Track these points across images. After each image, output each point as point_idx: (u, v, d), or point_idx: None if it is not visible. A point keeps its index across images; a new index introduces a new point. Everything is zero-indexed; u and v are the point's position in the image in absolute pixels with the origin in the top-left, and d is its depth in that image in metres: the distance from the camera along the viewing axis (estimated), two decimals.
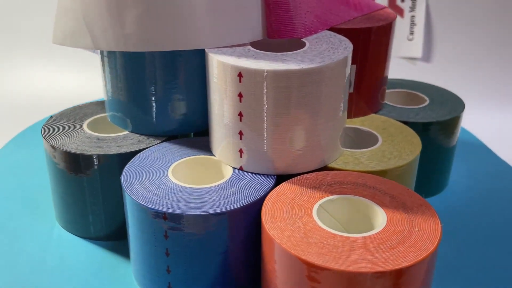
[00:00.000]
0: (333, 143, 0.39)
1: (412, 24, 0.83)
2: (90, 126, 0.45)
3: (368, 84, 0.46)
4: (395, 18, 0.46)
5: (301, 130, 0.37)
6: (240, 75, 0.35)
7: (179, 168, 0.39)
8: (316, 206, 0.34)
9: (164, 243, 0.34)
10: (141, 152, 0.41)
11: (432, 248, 0.30)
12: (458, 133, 0.51)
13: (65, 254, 0.42)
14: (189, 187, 0.36)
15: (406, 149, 0.42)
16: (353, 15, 0.46)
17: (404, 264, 0.28)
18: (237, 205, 0.34)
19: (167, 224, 0.34)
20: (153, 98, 0.42)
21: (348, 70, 0.38)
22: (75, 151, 0.40)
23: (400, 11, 0.83)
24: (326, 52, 0.37)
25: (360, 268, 0.28)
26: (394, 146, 0.42)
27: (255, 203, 0.35)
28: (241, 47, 0.38)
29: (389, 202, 0.34)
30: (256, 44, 0.39)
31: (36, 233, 0.45)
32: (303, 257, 0.29)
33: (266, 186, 0.37)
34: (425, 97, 0.52)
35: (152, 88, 0.41)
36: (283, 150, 0.37)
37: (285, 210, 0.33)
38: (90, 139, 0.43)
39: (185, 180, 0.39)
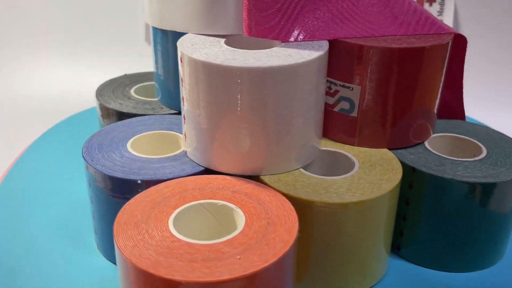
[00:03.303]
0: (274, 155, 0.36)
1: None
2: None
3: (384, 112, 0.39)
4: (443, 42, 0.39)
5: (231, 130, 0.35)
6: (181, 59, 0.36)
7: (139, 141, 0.42)
8: (174, 214, 0.32)
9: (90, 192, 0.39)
10: (107, 126, 0.45)
11: (284, 250, 0.28)
12: None
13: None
14: (137, 156, 0.39)
15: (384, 177, 0.36)
16: (395, 32, 0.40)
17: (254, 269, 0.27)
18: (172, 175, 0.36)
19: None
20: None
21: (312, 80, 0.35)
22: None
23: None
24: (286, 55, 0.35)
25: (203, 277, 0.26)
26: (370, 173, 0.37)
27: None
28: (219, 41, 0.38)
29: (251, 205, 0.33)
30: (244, 41, 0.39)
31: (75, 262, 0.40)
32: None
33: (192, 171, 0.37)
34: (480, 144, 0.42)
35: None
36: (208, 146, 0.37)
37: (139, 218, 0.31)
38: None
39: (144, 151, 0.42)
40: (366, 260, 0.37)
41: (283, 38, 0.38)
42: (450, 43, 0.40)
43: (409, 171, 0.39)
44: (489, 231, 0.39)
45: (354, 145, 0.41)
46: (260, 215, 0.32)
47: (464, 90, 0.47)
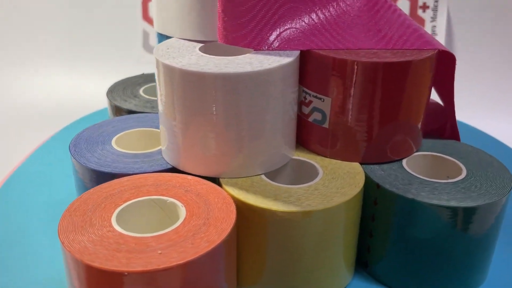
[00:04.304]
0: (236, 159, 0.37)
1: (434, 34, 0.85)
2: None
3: (355, 126, 0.39)
4: (423, 58, 0.38)
5: (199, 133, 0.37)
6: (156, 65, 0.38)
7: (127, 137, 0.45)
8: (117, 211, 0.33)
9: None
10: (102, 121, 0.47)
11: (206, 250, 0.29)
12: (503, 217, 0.38)
13: None
14: (116, 150, 0.42)
15: (341, 190, 0.36)
16: (374, 46, 0.39)
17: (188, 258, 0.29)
18: (131, 171, 0.39)
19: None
20: None
21: (277, 87, 0.36)
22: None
23: (421, 21, 0.86)
24: (252, 61, 0.36)
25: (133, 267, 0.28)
26: (329, 186, 0.37)
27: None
28: (195, 47, 0.40)
29: (196, 205, 0.34)
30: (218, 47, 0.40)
31: None
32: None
33: (158, 168, 0.39)
34: (461, 166, 0.40)
35: None
36: (176, 146, 0.38)
37: (89, 207, 0.34)
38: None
39: (131, 147, 0.44)
40: (318, 272, 0.37)
41: (255, 46, 0.38)
42: (431, 59, 0.38)
43: (374, 187, 0.38)
44: (456, 255, 0.37)
45: (327, 157, 0.41)
46: (201, 215, 0.33)
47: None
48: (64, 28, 0.95)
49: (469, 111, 0.77)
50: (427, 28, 0.85)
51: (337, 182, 0.37)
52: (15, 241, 0.45)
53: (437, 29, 0.85)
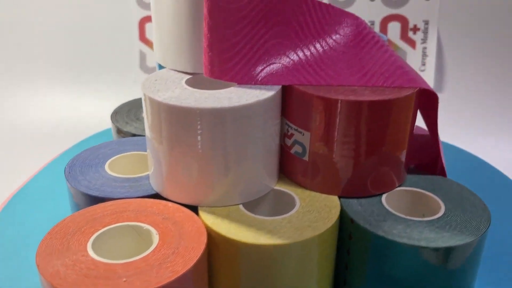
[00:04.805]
0: (216, 189, 0.38)
1: (424, 55, 0.88)
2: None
3: (333, 161, 0.40)
4: (402, 97, 0.38)
5: (182, 163, 0.38)
6: (143, 99, 0.40)
7: (123, 160, 0.47)
8: (93, 238, 0.35)
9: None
10: (101, 143, 0.49)
11: (168, 280, 0.31)
12: (479, 256, 0.38)
13: None
14: (108, 174, 0.44)
15: (313, 224, 0.37)
16: (354, 83, 0.40)
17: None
18: (116, 195, 0.40)
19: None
20: None
21: (259, 121, 0.37)
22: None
23: (412, 43, 0.89)
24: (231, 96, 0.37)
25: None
26: (302, 219, 0.37)
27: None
28: (181, 79, 0.42)
29: (170, 233, 0.35)
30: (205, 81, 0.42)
31: None
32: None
33: (142, 194, 0.41)
34: (441, 203, 0.40)
35: None
36: (159, 173, 0.40)
37: (70, 231, 0.35)
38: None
39: (124, 171, 0.46)
40: None
41: (239, 80, 0.40)
42: (409, 98, 0.39)
43: (348, 222, 0.39)
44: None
45: (307, 188, 0.42)
46: (172, 244, 0.35)
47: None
48: (61, 48, 0.98)
49: (459, 132, 0.79)
50: (418, 50, 0.88)
51: (312, 215, 0.38)
52: (16, 260, 0.47)
53: (428, 51, 0.88)
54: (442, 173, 0.45)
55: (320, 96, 0.38)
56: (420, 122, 0.45)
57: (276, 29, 0.41)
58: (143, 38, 0.97)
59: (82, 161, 0.46)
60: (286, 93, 0.41)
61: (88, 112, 0.92)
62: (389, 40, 0.88)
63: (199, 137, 0.37)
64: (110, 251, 0.36)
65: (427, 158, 0.47)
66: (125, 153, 0.48)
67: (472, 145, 0.74)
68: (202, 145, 0.37)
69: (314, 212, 0.38)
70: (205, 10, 0.39)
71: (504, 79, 0.87)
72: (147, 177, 0.43)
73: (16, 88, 0.98)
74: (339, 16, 0.43)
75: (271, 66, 0.41)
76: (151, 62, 0.98)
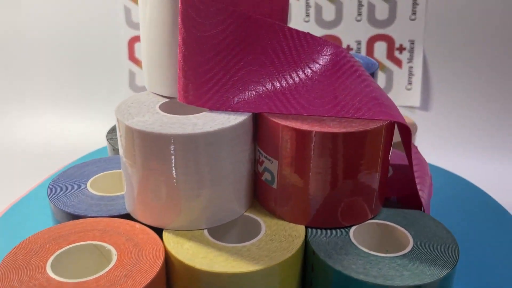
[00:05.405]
0: (183, 214, 0.39)
1: (410, 74, 0.90)
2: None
3: (300, 190, 0.39)
4: (371, 130, 0.38)
5: (151, 187, 0.39)
6: (117, 123, 0.41)
7: (106, 178, 0.48)
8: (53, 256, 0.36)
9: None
10: (89, 160, 0.51)
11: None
12: None
13: None
14: (87, 191, 0.45)
15: (272, 254, 0.37)
16: (325, 113, 0.40)
17: None
18: (89, 213, 0.42)
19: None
20: None
21: (227, 147, 0.38)
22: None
23: (399, 62, 0.90)
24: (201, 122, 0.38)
25: None
26: (263, 248, 0.37)
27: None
28: (155, 104, 0.42)
29: (129, 255, 0.36)
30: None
31: None
32: None
33: (114, 213, 0.42)
34: (409, 237, 0.39)
35: None
36: (131, 194, 0.41)
37: (35, 247, 0.37)
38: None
39: (106, 189, 0.47)
40: None
41: (211, 106, 0.41)
42: (377, 130, 0.38)
43: (311, 253, 0.38)
44: None
45: (276, 216, 0.42)
46: (127, 266, 0.35)
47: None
48: (50, 66, 1.00)
49: (444, 151, 0.80)
50: (404, 69, 0.90)
51: (273, 244, 0.38)
52: None
53: (414, 70, 0.89)
54: (419, 207, 0.44)
55: (287, 126, 0.38)
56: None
57: (251, 57, 0.41)
58: (132, 57, 0.99)
59: (66, 178, 0.48)
60: (258, 120, 0.41)
61: (78, 132, 0.94)
62: (379, 62, 0.89)
63: (163, 162, 0.37)
64: (72, 269, 0.37)
65: (408, 189, 0.46)
66: (108, 171, 0.49)
67: (457, 164, 0.75)
68: (167, 170, 0.38)
69: (276, 242, 0.38)
70: (179, 37, 0.40)
71: (490, 97, 0.87)
72: (123, 196, 0.45)
73: (4, 108, 0.99)
74: (317, 45, 0.43)
75: (245, 93, 0.41)
76: (140, 81, 1.00)
